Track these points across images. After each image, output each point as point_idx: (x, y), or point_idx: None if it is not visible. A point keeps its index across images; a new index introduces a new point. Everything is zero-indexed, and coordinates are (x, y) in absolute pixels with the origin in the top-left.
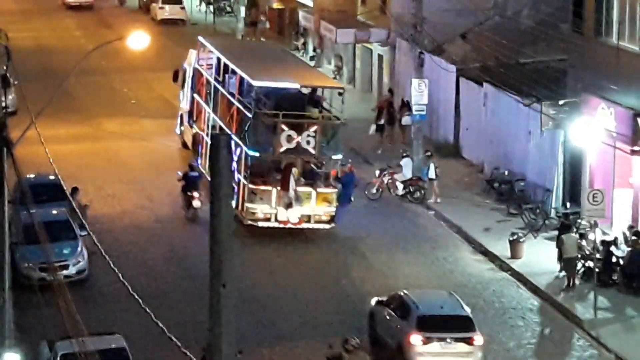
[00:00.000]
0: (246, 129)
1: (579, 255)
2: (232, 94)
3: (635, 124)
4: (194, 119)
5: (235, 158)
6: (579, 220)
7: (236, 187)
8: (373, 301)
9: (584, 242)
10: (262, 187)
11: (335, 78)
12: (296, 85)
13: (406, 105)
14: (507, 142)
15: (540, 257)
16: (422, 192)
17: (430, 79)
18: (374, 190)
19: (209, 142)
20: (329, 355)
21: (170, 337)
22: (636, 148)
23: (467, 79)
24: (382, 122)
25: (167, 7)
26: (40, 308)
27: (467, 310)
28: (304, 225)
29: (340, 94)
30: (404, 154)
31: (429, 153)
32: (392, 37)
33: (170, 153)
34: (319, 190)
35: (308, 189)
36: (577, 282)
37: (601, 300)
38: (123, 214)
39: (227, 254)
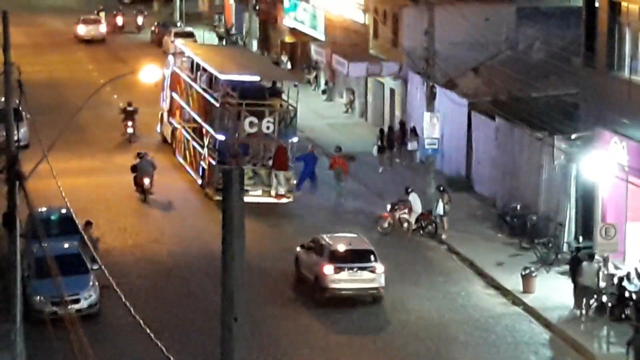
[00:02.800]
0: (214, 116)
1: (595, 288)
2: (202, 88)
3: None
4: (172, 115)
5: (206, 142)
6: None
7: (206, 168)
8: (298, 247)
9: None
10: (228, 167)
11: (347, 112)
12: (257, 78)
13: (413, 132)
14: (519, 176)
15: (552, 291)
16: (434, 226)
17: (442, 112)
18: (386, 225)
19: (184, 132)
20: None
21: None
22: None
23: (479, 113)
24: (383, 143)
25: (179, 40)
26: (51, 342)
27: (371, 247)
28: (267, 200)
29: (295, 86)
30: (409, 190)
31: (441, 188)
32: (404, 71)
33: (182, 187)
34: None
35: (268, 168)
36: (590, 314)
37: (614, 335)
38: (134, 247)
39: (239, 287)
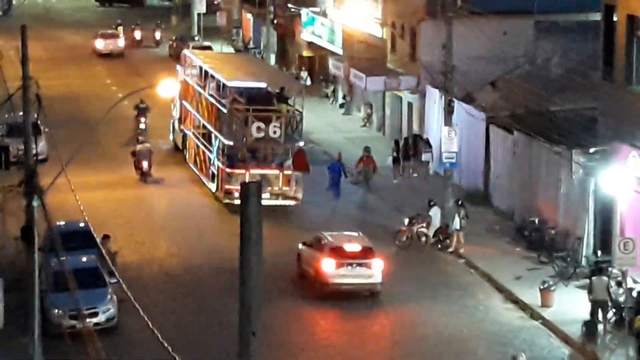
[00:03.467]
0: (222, 122)
1: (609, 302)
2: (211, 95)
3: None
4: (183, 122)
5: (215, 148)
6: (610, 269)
7: (216, 172)
8: (300, 244)
9: (618, 289)
10: (237, 170)
11: (364, 125)
12: (264, 85)
13: (426, 143)
14: (537, 190)
15: (571, 305)
16: (452, 240)
17: (460, 126)
18: (404, 239)
19: (194, 138)
20: None
21: None
22: None
23: (497, 127)
24: (398, 155)
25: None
26: (69, 355)
27: (370, 244)
28: (275, 203)
29: (300, 90)
30: (432, 203)
31: (459, 202)
32: (422, 85)
33: (201, 201)
34: (285, 172)
35: (276, 171)
36: (609, 328)
37: (632, 349)
38: (152, 261)
39: (256, 302)
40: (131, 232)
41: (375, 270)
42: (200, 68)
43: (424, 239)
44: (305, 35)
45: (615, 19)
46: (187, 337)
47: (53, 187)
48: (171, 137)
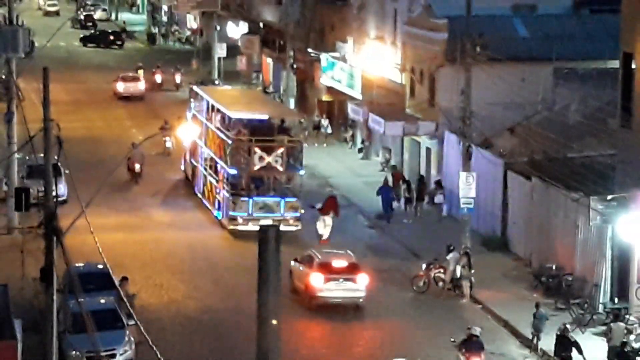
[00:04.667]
0: (227, 152)
1: (626, 350)
2: (217, 127)
3: None
4: (193, 154)
5: (220, 177)
6: (627, 316)
7: (221, 201)
8: (292, 262)
9: (631, 337)
10: (241, 199)
11: (383, 170)
12: (265, 116)
13: (438, 185)
14: (554, 236)
15: (588, 352)
16: (470, 285)
17: (477, 172)
18: (421, 283)
19: (202, 170)
20: None
21: None
22: None
23: (514, 173)
24: (409, 194)
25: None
26: None
27: (356, 261)
28: None
29: (301, 122)
30: (451, 247)
31: (467, 250)
32: (440, 130)
33: (218, 243)
34: (287, 199)
35: (277, 198)
36: None
37: None
38: (170, 303)
39: (273, 346)
40: (149, 275)
41: (360, 285)
42: (207, 102)
43: (441, 284)
44: (324, 79)
45: (633, 66)
46: None
47: (72, 228)
48: (182, 168)
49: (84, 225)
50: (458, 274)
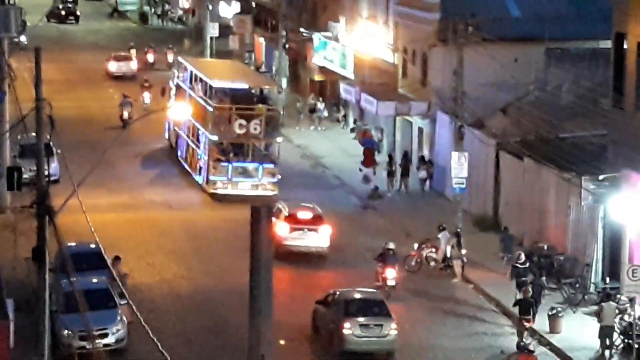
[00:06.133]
0: (208, 120)
1: (617, 329)
2: (199, 96)
3: None
4: (176, 123)
5: (202, 144)
6: (618, 296)
7: (203, 166)
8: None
9: (625, 317)
10: (221, 164)
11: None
12: (246, 86)
13: (422, 160)
14: (546, 216)
15: (579, 332)
16: (462, 265)
17: (470, 152)
18: (413, 263)
19: (184, 137)
20: None
21: None
22: None
23: (507, 153)
24: (391, 168)
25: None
26: None
27: (321, 213)
28: (254, 192)
29: (279, 92)
30: (442, 227)
31: (457, 230)
32: (433, 110)
33: (212, 223)
34: (265, 165)
35: (256, 164)
36: (615, 357)
37: None
38: (163, 283)
39: (266, 325)
40: (142, 254)
41: (323, 235)
42: (191, 72)
43: (432, 263)
44: (316, 59)
45: (625, 46)
46: (196, 358)
47: (65, 208)
48: (166, 136)
49: (76, 204)
50: (448, 254)
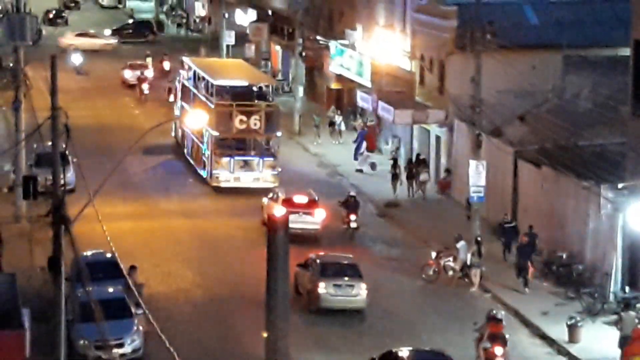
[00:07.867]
0: (210, 116)
1: None
2: (202, 94)
3: None
4: (182, 121)
5: (205, 139)
6: (638, 305)
7: (207, 160)
8: (263, 198)
9: None
10: (223, 159)
11: (393, 159)
12: (245, 83)
13: (423, 163)
14: (565, 224)
15: (598, 341)
16: (480, 274)
17: (488, 160)
18: (431, 272)
19: (190, 133)
20: None
21: None
22: None
23: (525, 161)
24: (395, 171)
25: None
26: None
27: (315, 198)
28: (255, 185)
29: (276, 90)
30: (458, 237)
31: (477, 239)
32: (450, 118)
33: (228, 231)
34: (265, 159)
35: (256, 158)
36: None
37: None
38: (179, 292)
39: (282, 336)
40: (158, 263)
41: (316, 218)
42: (194, 71)
43: (451, 272)
44: (333, 67)
45: None
46: None
47: (80, 217)
48: (173, 134)
49: (92, 213)
50: (468, 262)
